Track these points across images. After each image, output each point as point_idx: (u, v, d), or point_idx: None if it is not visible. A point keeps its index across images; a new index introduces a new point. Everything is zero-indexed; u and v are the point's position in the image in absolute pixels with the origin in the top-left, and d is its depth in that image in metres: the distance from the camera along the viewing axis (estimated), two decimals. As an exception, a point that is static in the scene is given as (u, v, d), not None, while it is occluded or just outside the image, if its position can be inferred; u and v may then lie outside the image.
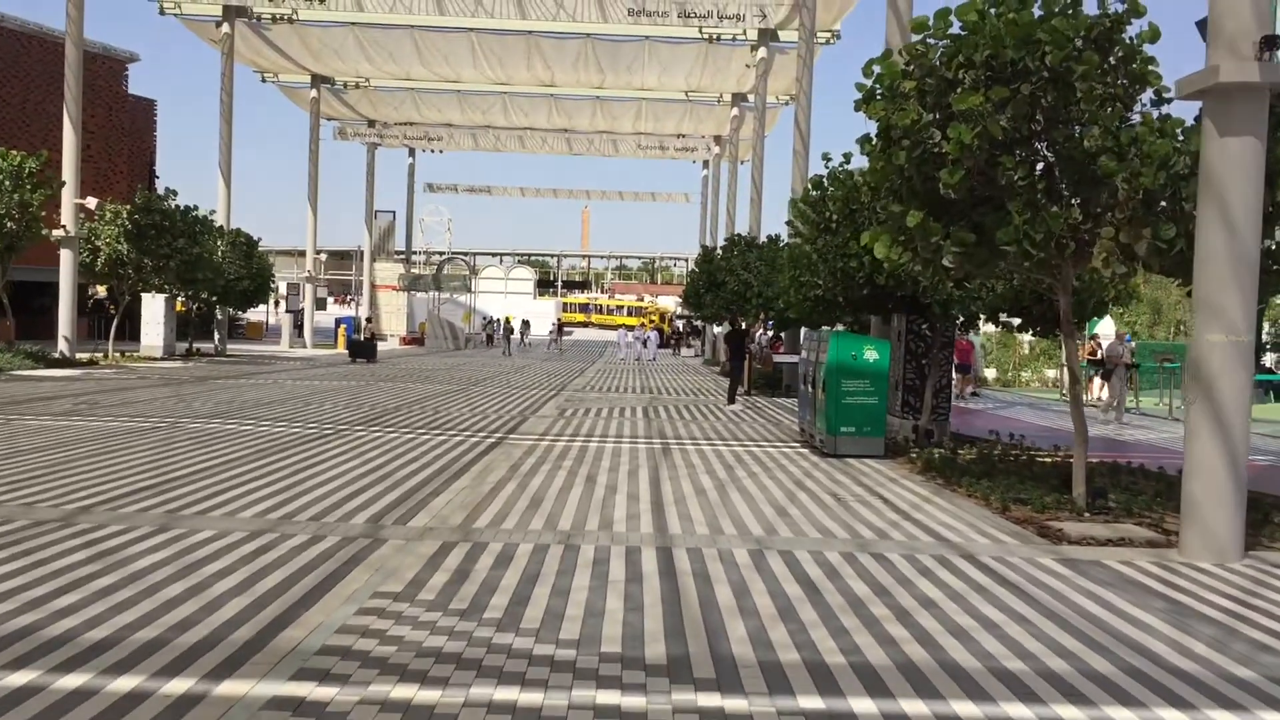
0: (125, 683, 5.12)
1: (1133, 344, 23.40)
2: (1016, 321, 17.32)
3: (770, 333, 37.27)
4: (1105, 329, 32.66)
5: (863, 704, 5.13)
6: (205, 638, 5.83)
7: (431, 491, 10.93)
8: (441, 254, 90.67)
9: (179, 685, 5.11)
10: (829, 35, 41.78)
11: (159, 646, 5.66)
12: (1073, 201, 10.56)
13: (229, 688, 5.10)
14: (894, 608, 6.86)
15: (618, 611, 6.58)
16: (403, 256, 76.66)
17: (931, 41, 10.78)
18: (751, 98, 46.31)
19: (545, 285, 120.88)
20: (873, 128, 11.41)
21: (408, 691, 5.14)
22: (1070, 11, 10.35)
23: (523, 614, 6.48)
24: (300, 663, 5.48)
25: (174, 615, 6.22)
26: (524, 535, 8.86)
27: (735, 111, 53.94)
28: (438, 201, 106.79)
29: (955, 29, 10.64)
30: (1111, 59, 10.37)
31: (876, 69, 11.21)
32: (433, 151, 67.35)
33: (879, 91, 11.20)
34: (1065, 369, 13.19)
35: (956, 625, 6.49)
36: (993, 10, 10.46)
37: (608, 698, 5.13)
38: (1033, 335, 19.05)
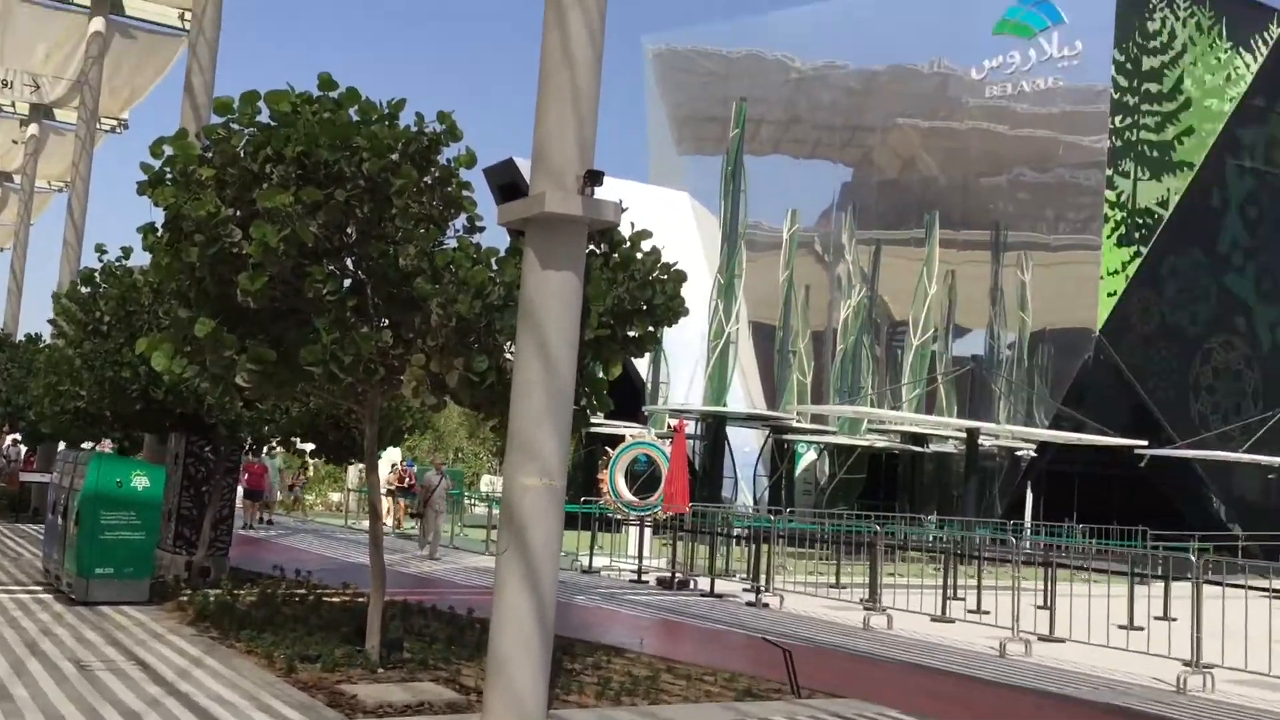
0: None
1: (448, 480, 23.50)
2: (310, 447, 16.13)
3: (23, 446, 32.27)
4: (392, 457, 32.80)
5: None
6: None
7: None
8: None
9: None
10: (116, 123, 38.30)
11: None
12: (384, 324, 9.72)
13: None
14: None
15: None
16: None
17: (236, 127, 9.42)
18: (18, 178, 40.76)
19: None
20: (159, 217, 9.68)
21: None
22: (388, 122, 9.66)
23: None
24: None
25: None
26: None
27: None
28: None
29: (264, 117, 9.39)
30: (429, 178, 9.82)
31: (168, 149, 9.54)
32: None
33: (170, 175, 9.53)
34: (367, 503, 12.35)
35: None
36: (309, 107, 9.42)
37: None
38: (326, 462, 17.99)
